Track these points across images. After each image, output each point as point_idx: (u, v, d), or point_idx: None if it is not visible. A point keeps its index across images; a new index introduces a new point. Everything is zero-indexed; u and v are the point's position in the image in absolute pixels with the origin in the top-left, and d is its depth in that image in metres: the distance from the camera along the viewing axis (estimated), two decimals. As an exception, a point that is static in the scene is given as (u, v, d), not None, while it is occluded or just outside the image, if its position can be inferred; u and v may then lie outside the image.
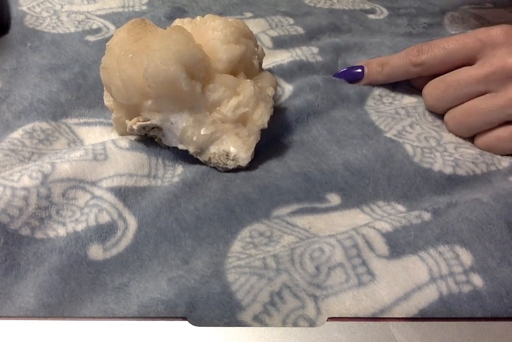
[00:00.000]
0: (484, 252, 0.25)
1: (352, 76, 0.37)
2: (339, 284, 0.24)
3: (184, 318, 0.21)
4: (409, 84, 0.37)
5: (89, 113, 0.34)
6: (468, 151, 0.32)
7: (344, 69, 0.37)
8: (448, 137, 0.33)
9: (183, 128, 0.29)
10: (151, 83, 0.27)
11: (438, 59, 0.33)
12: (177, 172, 0.30)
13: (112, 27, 0.42)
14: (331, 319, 0.21)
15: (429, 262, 0.25)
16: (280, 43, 0.41)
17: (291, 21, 0.44)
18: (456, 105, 0.33)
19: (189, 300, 0.23)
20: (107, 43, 0.29)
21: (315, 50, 0.40)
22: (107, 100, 0.31)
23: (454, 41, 0.33)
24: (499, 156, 0.32)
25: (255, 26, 0.42)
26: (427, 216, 0.27)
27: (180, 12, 0.44)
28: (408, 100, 0.36)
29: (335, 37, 0.42)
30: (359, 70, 0.37)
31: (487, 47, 0.31)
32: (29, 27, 0.41)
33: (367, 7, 0.48)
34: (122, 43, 0.28)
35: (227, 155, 0.29)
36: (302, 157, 0.31)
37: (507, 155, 0.32)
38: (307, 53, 0.39)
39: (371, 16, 0.46)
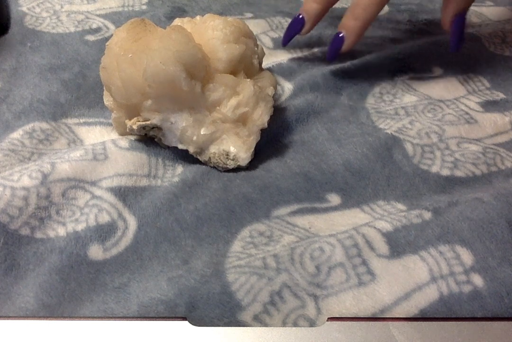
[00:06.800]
0: (484, 252, 0.25)
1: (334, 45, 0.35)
2: (339, 284, 0.24)
3: (184, 318, 0.21)
4: (409, 80, 0.37)
5: (89, 113, 0.33)
6: (471, 148, 0.32)
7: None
8: (451, 131, 0.33)
9: (183, 128, 0.29)
10: (151, 83, 0.27)
11: None
12: (177, 172, 0.30)
13: (112, 26, 0.42)
14: (331, 319, 0.21)
15: (429, 262, 0.24)
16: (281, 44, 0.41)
17: None
18: None
19: (189, 300, 0.23)
20: (107, 43, 0.29)
21: (315, 49, 0.40)
22: (107, 100, 0.31)
23: None
24: (503, 155, 0.31)
25: (256, 26, 0.42)
26: (427, 215, 0.27)
27: (180, 11, 0.44)
28: (409, 99, 0.36)
29: None
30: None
31: None
32: (29, 28, 0.41)
33: None
34: (122, 43, 0.28)
35: (227, 155, 0.29)
36: (302, 157, 0.31)
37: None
38: (308, 52, 0.40)
39: None
